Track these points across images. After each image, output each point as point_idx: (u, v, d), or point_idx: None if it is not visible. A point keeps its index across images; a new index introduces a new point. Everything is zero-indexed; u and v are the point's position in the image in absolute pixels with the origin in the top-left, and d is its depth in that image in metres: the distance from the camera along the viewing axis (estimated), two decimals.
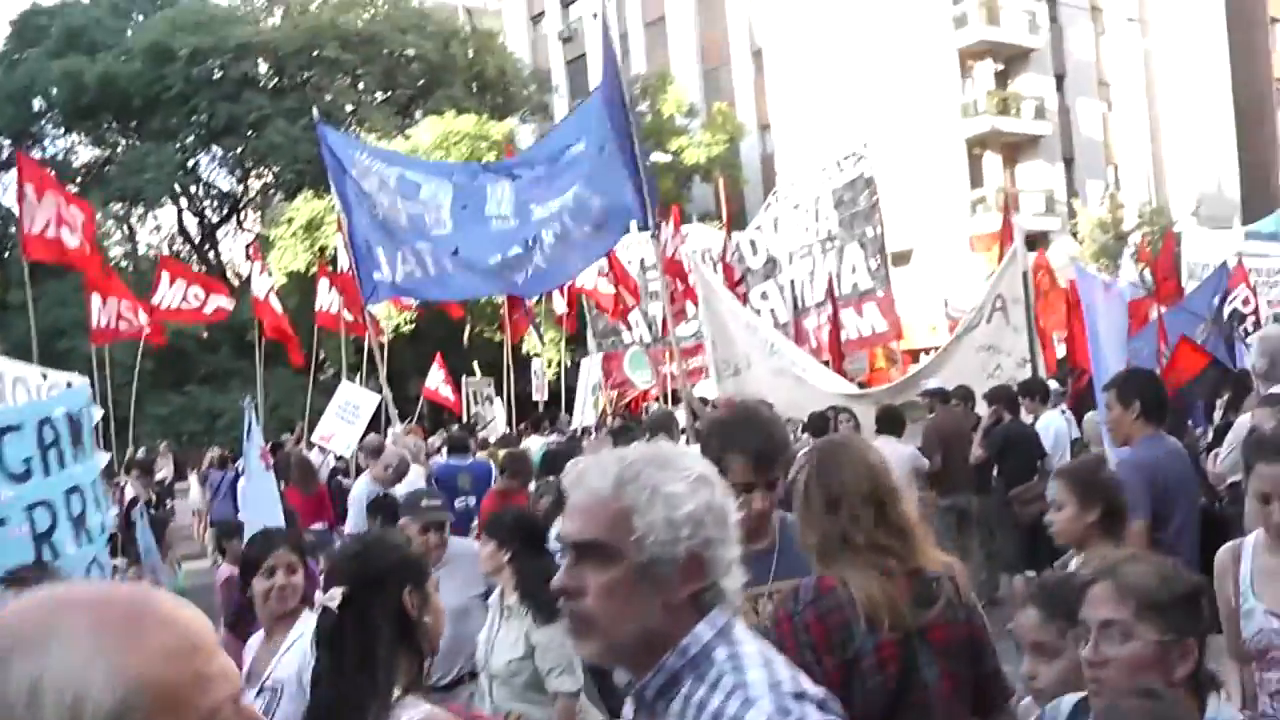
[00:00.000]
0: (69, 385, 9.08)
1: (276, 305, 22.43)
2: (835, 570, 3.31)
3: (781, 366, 15.10)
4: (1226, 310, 14.26)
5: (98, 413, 9.61)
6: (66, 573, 6.90)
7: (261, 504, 8.53)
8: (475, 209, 11.44)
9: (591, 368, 23.82)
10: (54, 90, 42.67)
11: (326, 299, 21.91)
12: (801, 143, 41.05)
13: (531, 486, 10.28)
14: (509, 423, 22.63)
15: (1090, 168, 49.48)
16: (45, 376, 9.58)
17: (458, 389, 24.05)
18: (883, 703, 3.23)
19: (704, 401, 15.64)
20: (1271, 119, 57.48)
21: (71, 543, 7.12)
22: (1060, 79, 49.01)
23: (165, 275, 21.32)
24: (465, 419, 23.94)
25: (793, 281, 20.31)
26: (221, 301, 22.17)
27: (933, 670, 3.30)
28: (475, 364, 26.66)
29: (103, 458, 10.18)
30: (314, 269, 32.72)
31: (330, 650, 3.11)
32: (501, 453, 15.33)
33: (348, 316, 21.05)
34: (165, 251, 44.60)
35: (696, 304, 17.02)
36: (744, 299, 19.11)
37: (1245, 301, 15.24)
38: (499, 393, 24.38)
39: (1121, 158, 51.22)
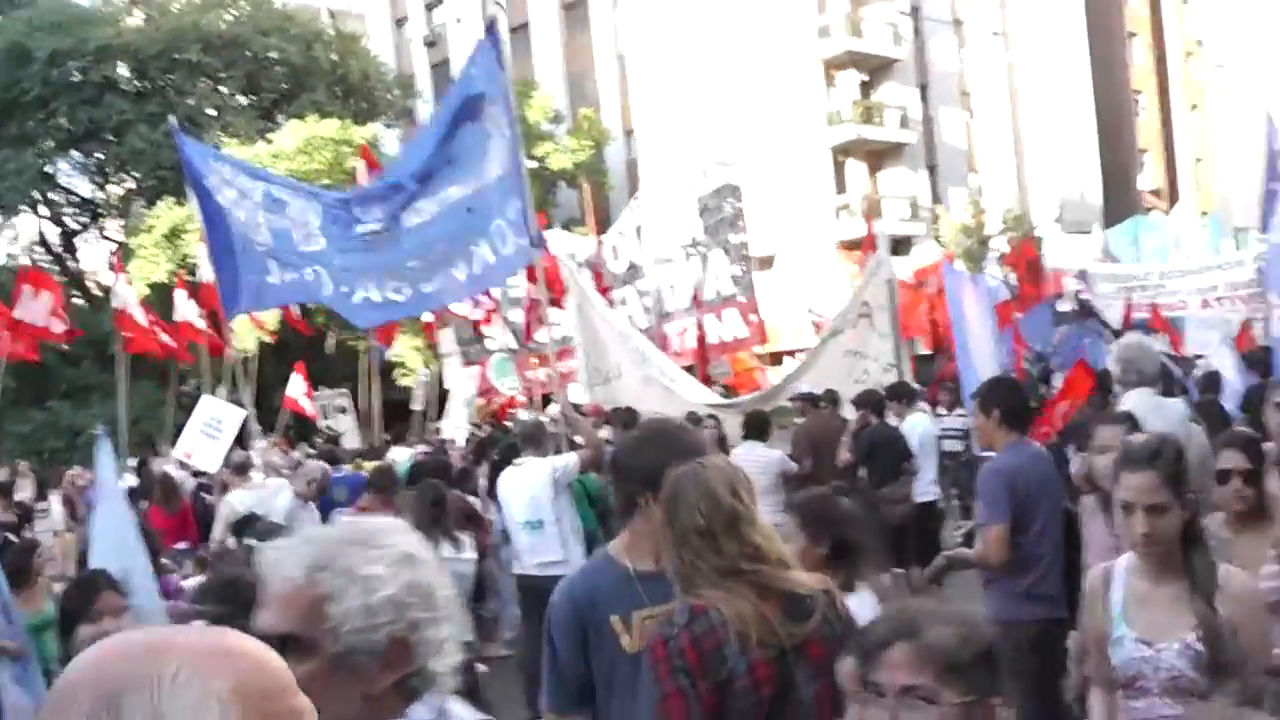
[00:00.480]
0: None
1: (141, 317, 21.82)
2: (700, 596, 3.28)
3: (651, 375, 15.15)
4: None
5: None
6: None
7: (109, 535, 7.77)
8: (344, 224, 11.11)
9: (464, 377, 23.68)
10: None
11: (185, 308, 21.36)
12: (666, 149, 41.23)
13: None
14: (378, 434, 22.46)
15: (953, 175, 50.45)
16: None
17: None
18: (756, 708, 3.22)
19: (575, 407, 15.63)
20: (1130, 128, 59.31)
21: None
22: (924, 89, 49.93)
23: (28, 288, 20.57)
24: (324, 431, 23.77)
25: (657, 288, 20.36)
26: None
27: (809, 688, 3.29)
28: (338, 375, 26.40)
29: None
30: (176, 279, 32.17)
31: None
32: (368, 465, 15.20)
33: (200, 325, 20.55)
34: (25, 261, 43.34)
35: (561, 309, 16.92)
36: (610, 304, 19.13)
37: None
38: (356, 404, 24.16)
39: (984, 165, 52.30)
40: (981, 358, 13.45)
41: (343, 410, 23.17)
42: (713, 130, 39.46)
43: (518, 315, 21.73)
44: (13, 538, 11.82)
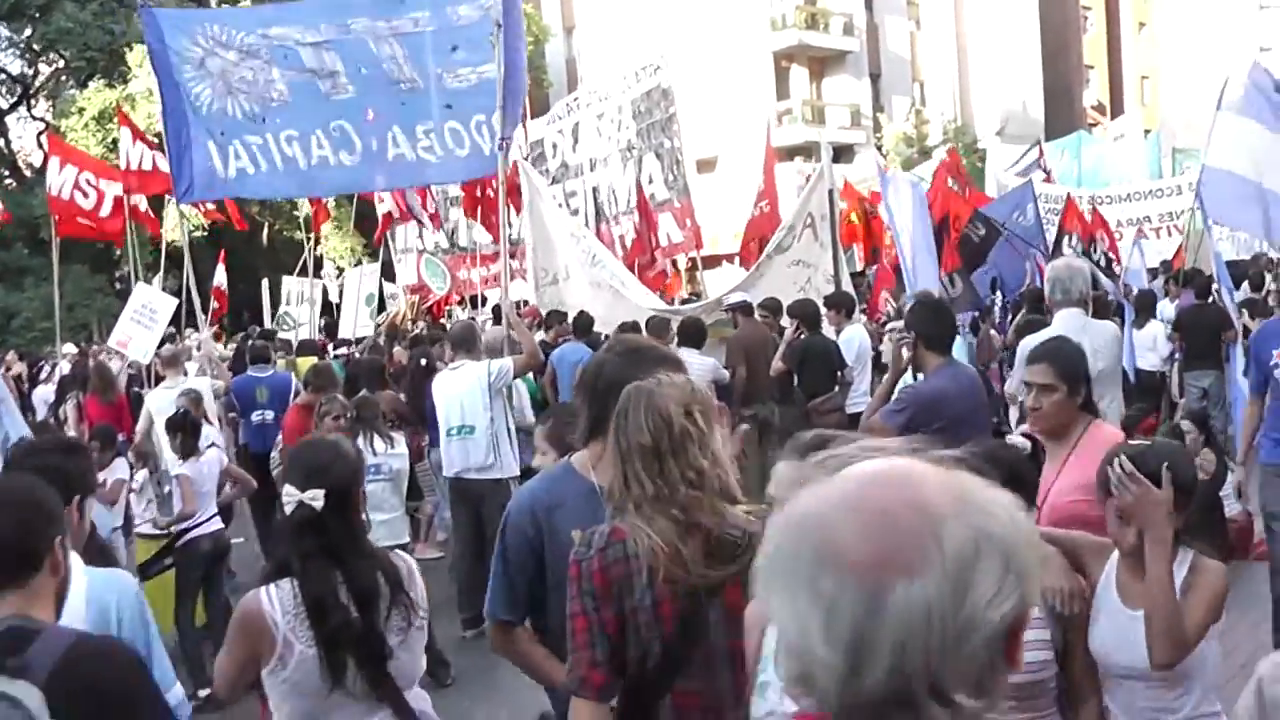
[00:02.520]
0: None
1: (81, 200, 21.42)
2: (626, 519, 3.27)
3: (600, 279, 15.12)
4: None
5: None
6: None
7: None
8: (376, 71, 10.97)
9: (363, 276, 23.55)
10: None
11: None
12: (607, 48, 40.87)
13: None
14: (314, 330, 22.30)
15: (897, 85, 50.38)
16: None
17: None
18: (662, 659, 3.21)
19: (518, 304, 15.59)
20: (1077, 42, 59.37)
21: None
22: None
23: None
24: (272, 319, 23.55)
25: (595, 189, 20.28)
26: None
27: (721, 632, 3.26)
28: (272, 266, 26.16)
29: None
30: (110, 161, 31.64)
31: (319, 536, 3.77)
32: (301, 361, 15.08)
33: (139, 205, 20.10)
34: None
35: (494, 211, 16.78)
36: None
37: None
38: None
39: (928, 75, 52.25)
40: (922, 266, 13.61)
41: (311, 302, 22.84)
42: (655, 29, 39.10)
43: (457, 214, 21.60)
44: None
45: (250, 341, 16.93)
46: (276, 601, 3.73)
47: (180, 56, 11.07)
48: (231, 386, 12.45)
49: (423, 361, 12.00)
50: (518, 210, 16.48)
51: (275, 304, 25.53)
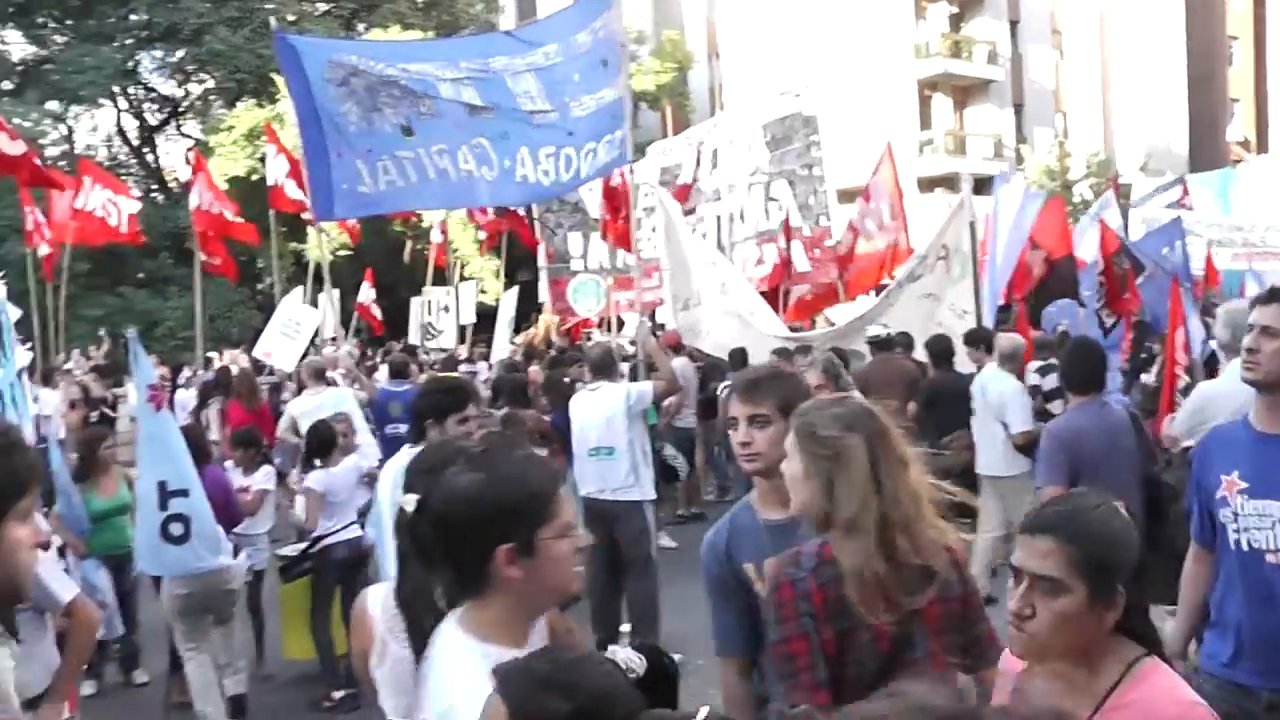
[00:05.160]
0: None
1: (228, 213, 22.03)
2: (833, 539, 3.27)
3: (730, 308, 15.09)
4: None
5: (15, 312, 9.51)
6: None
7: (154, 448, 7.80)
8: (512, 103, 11.30)
9: (508, 298, 23.72)
10: None
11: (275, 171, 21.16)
12: (751, 74, 40.82)
13: None
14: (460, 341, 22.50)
15: (1040, 115, 49.67)
16: None
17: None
18: (875, 671, 3.19)
19: (661, 328, 15.61)
20: (1223, 74, 57.90)
21: None
22: (1014, 25, 49.07)
23: (87, 180, 21.12)
24: (419, 332, 23.82)
25: (718, 217, 20.24)
26: (131, 207, 21.75)
27: (925, 645, 3.27)
28: (415, 284, 26.48)
29: (23, 356, 10.07)
30: (255, 175, 32.41)
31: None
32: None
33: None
34: (103, 153, 43.80)
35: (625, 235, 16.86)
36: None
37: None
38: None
39: (1071, 106, 51.45)
40: (999, 280, 13.36)
41: (445, 309, 23.05)
42: (799, 57, 39.01)
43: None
44: (110, 413, 12.16)
45: (389, 356, 17.16)
46: (379, 600, 3.78)
47: (320, 78, 11.25)
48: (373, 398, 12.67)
49: (565, 380, 12.10)
50: (615, 238, 16.58)
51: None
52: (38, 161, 18.76)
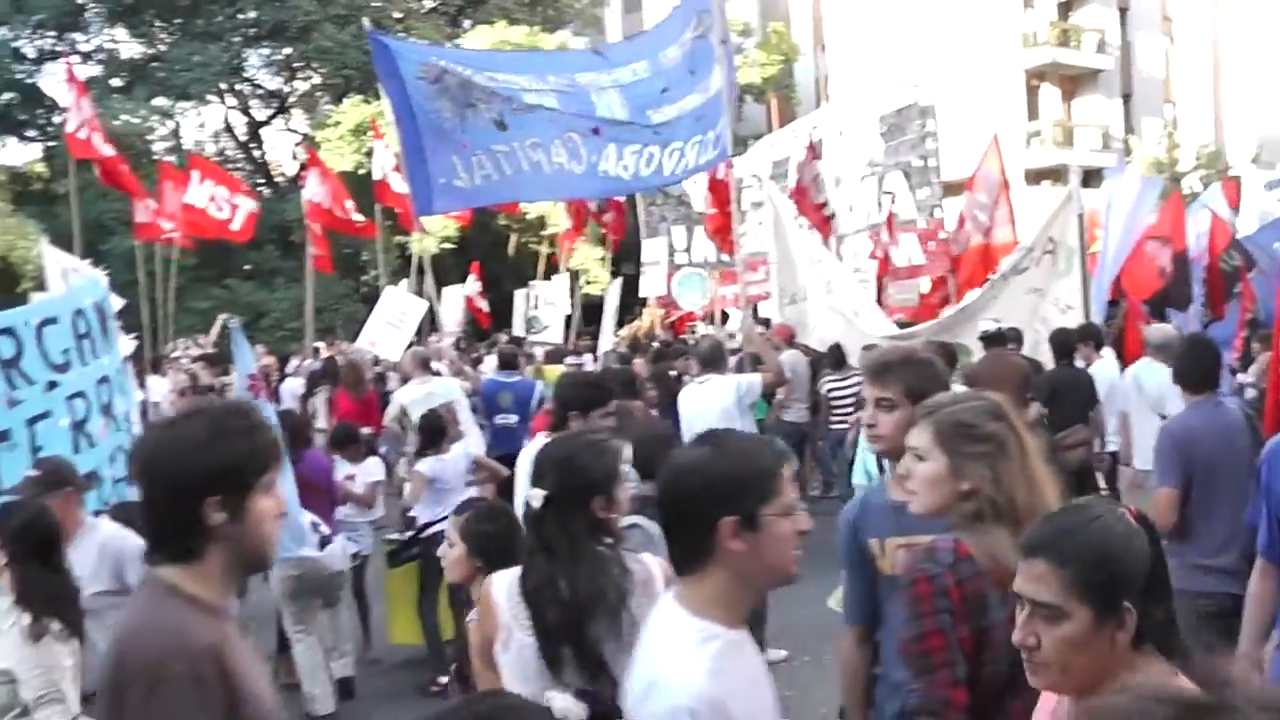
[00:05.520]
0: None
1: (337, 210, 22.38)
2: (972, 536, 3.27)
3: (834, 305, 14.97)
4: None
5: (118, 302, 9.71)
6: (94, 462, 7.05)
7: None
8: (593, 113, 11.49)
9: (611, 294, 23.70)
10: None
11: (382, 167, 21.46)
12: (857, 66, 40.56)
13: None
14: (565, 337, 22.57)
15: (1149, 105, 48.77)
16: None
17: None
18: (1011, 670, 3.09)
19: (764, 323, 15.54)
20: None
21: (102, 431, 7.26)
22: (1124, 12, 48.23)
23: (195, 174, 21.65)
24: (524, 324, 23.93)
25: (834, 209, 20.04)
26: (250, 206, 22.23)
27: None
28: (520, 278, 26.63)
29: (127, 345, 10.28)
30: (361, 170, 32.78)
31: (539, 534, 3.80)
32: (548, 369, 15.28)
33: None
34: (210, 149, 44.55)
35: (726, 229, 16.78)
36: (826, 223, 18.93)
37: None
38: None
39: (1181, 96, 50.46)
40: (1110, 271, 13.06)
41: (552, 304, 23.11)
42: (905, 48, 38.64)
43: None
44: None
45: (496, 348, 17.26)
46: (505, 586, 3.82)
47: (414, 76, 11.41)
48: (480, 388, 12.76)
49: (671, 374, 12.12)
50: (715, 232, 16.53)
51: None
52: (124, 167, 19.47)
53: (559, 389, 6.71)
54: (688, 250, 23.55)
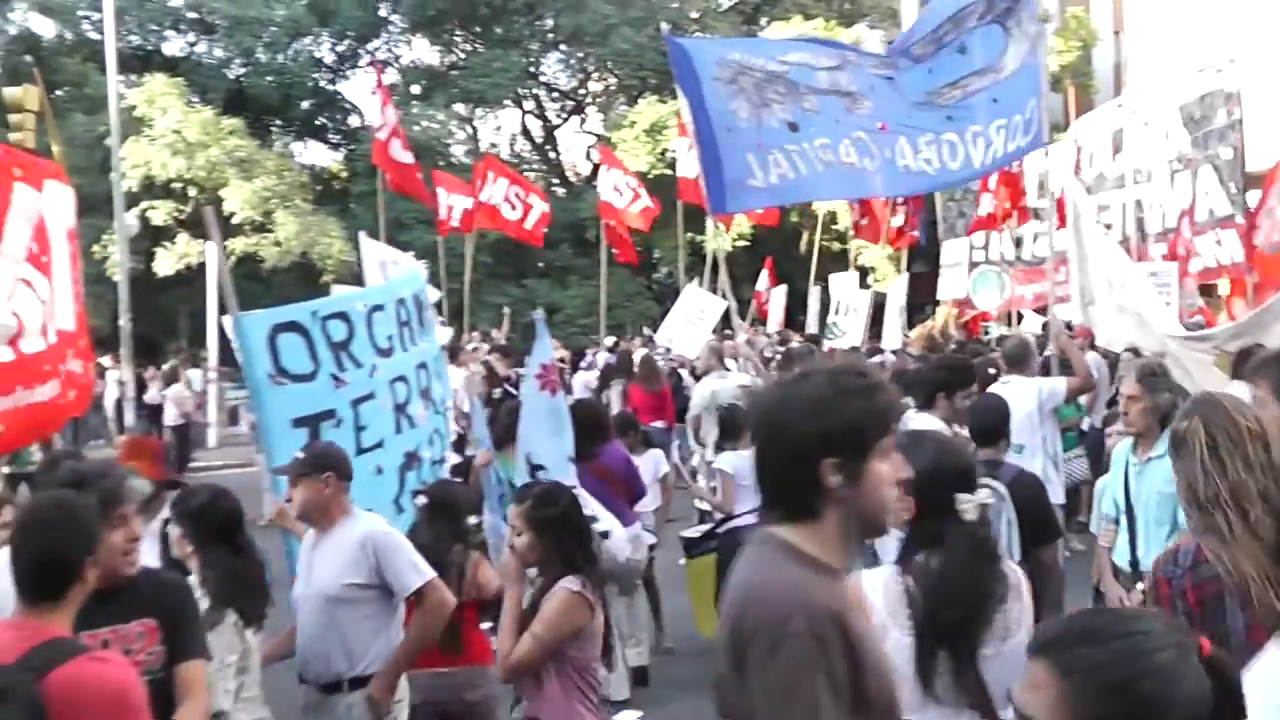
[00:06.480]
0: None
1: (617, 200, 22.74)
2: (1211, 541, 3.18)
3: (1123, 304, 14.37)
4: None
5: (434, 294, 10.03)
6: (414, 442, 7.21)
7: (537, 428, 7.98)
8: (886, 88, 11.38)
9: (896, 290, 23.28)
10: None
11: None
12: (1158, 51, 38.89)
13: None
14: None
15: None
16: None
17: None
18: None
19: (1068, 326, 15.01)
20: None
21: (421, 413, 7.52)
22: None
23: (490, 174, 22.36)
24: (818, 326, 23.82)
25: (1138, 203, 19.20)
26: (543, 207, 22.83)
27: None
28: (809, 276, 26.53)
29: (444, 333, 10.61)
30: (655, 171, 33.22)
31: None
32: None
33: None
34: (506, 151, 45.87)
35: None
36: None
37: None
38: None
39: None
40: None
41: (854, 311, 22.77)
42: (1209, 32, 36.85)
43: (1027, 228, 21.04)
44: (513, 390, 12.75)
45: (791, 347, 17.22)
46: (878, 584, 3.75)
47: (710, 77, 11.45)
48: None
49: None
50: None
51: (824, 312, 25.69)
52: (419, 175, 20.33)
53: (929, 371, 6.72)
54: (984, 248, 22.99)
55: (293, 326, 6.90)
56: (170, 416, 23.38)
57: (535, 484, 5.85)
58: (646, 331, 24.01)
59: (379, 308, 7.39)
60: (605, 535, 8.76)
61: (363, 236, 12.36)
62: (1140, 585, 4.29)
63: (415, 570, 5.54)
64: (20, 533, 3.64)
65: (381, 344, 7.30)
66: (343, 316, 7.15)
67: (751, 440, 2.77)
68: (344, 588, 5.47)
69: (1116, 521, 6.40)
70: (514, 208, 22.68)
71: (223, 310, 8.80)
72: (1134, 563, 6.05)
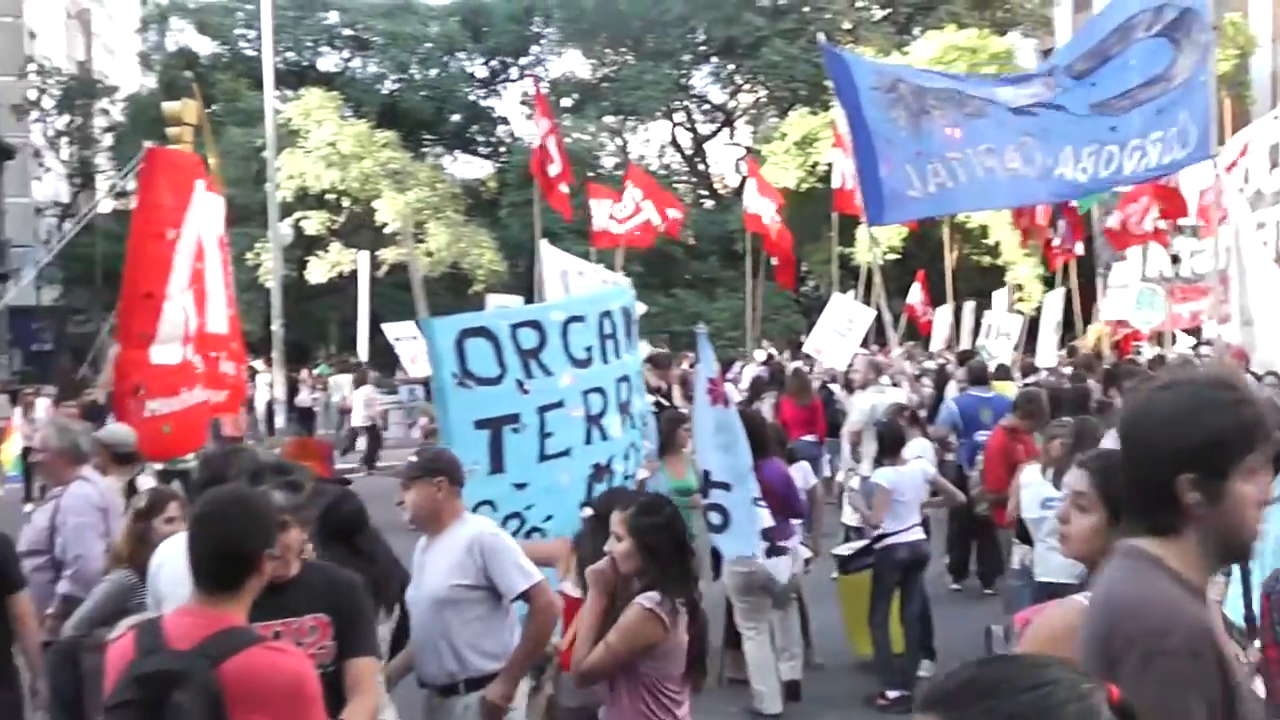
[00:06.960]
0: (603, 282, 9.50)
1: (765, 217, 22.68)
2: None
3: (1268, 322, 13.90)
4: None
5: (641, 308, 10.12)
6: (606, 454, 7.40)
7: (703, 437, 8.15)
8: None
9: (1050, 306, 22.82)
10: (554, 12, 45.63)
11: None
12: None
13: None
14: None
15: None
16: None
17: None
18: None
19: (1205, 343, 14.58)
20: None
21: (618, 426, 7.59)
22: None
23: (629, 184, 22.54)
24: (972, 343, 23.49)
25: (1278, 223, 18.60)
26: (675, 215, 22.85)
27: None
28: (957, 291, 26.20)
29: (645, 349, 10.66)
30: (805, 185, 33.05)
31: None
32: (999, 386, 14.87)
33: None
34: (655, 163, 46.08)
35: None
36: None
37: None
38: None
39: None
40: None
41: (1006, 336, 22.27)
42: None
43: (1183, 244, 20.50)
44: (664, 401, 12.79)
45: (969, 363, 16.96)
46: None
47: (868, 86, 11.39)
48: (958, 406, 12.55)
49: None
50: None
51: (977, 330, 25.29)
52: (564, 188, 20.53)
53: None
54: (1142, 264, 22.44)
55: (481, 332, 7.05)
56: (359, 417, 24.35)
57: (640, 492, 5.85)
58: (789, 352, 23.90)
59: (578, 319, 7.49)
60: (782, 552, 8.76)
61: (544, 244, 12.43)
62: (1257, 643, 3.97)
63: (521, 572, 5.58)
64: (198, 522, 3.74)
65: (578, 355, 7.38)
66: (535, 325, 7.27)
67: (1120, 444, 2.68)
68: (452, 589, 5.53)
69: (1228, 572, 5.98)
70: (651, 217, 22.73)
71: (375, 319, 8.96)
72: (1250, 618, 5.52)
